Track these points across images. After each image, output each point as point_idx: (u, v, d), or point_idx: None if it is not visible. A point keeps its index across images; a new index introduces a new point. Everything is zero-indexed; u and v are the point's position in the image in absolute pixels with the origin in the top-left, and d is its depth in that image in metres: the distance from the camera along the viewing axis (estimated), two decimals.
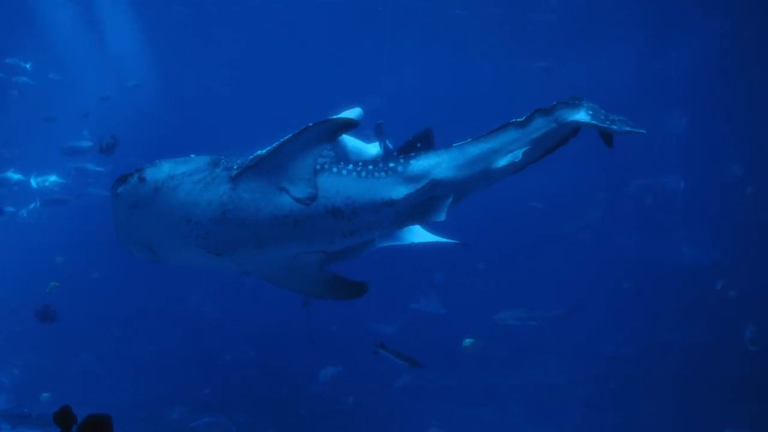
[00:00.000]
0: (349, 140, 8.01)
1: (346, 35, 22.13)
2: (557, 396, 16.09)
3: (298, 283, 6.58)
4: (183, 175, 5.88)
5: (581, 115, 6.17)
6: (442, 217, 6.19)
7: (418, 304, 17.47)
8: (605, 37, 20.97)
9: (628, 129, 6.11)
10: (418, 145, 6.46)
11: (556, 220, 20.46)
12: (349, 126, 5.97)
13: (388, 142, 7.93)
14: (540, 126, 6.19)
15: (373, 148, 8.03)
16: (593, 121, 6.16)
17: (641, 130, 6.09)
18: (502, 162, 6.19)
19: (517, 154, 6.16)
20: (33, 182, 17.95)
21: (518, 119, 6.20)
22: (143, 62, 22.23)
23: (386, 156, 6.51)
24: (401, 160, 6.31)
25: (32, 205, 17.50)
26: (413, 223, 6.30)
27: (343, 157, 7.77)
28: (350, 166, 6.21)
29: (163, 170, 5.90)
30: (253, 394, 15.72)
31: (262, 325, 17.27)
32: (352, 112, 7.78)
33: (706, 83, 20.63)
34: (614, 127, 6.13)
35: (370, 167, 6.23)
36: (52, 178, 17.77)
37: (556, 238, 20.24)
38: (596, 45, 21.31)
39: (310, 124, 5.77)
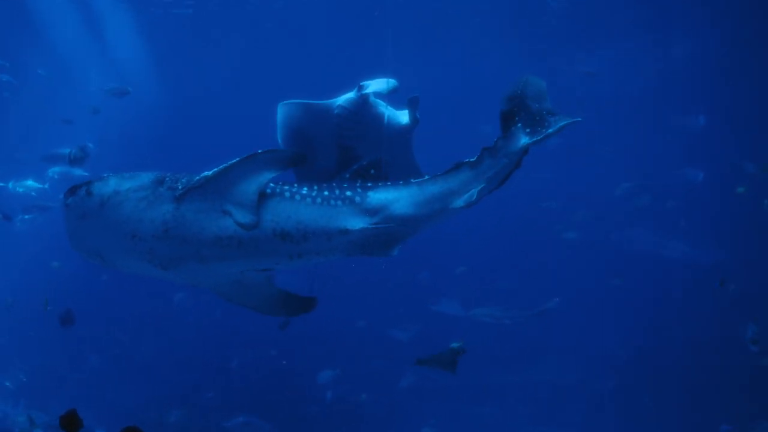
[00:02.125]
0: (382, 106, 8.12)
1: (349, 35, 22.16)
2: (560, 395, 16.23)
3: (246, 299, 6.62)
4: (128, 191, 5.96)
5: (524, 140, 6.28)
6: (395, 252, 6.26)
7: (439, 306, 17.55)
8: (612, 36, 21.03)
9: (565, 123, 6.23)
10: (372, 171, 6.52)
11: (563, 220, 20.63)
12: (298, 161, 6.03)
13: (417, 114, 8.02)
14: (491, 165, 6.32)
15: (403, 117, 8.13)
16: (536, 138, 6.25)
17: (577, 119, 6.21)
18: (459, 203, 6.32)
19: (473, 194, 6.29)
20: (12, 188, 17.99)
21: (471, 159, 6.32)
22: (144, 63, 22.35)
23: (341, 183, 6.50)
24: (359, 191, 6.34)
25: (29, 216, 17.55)
26: (365, 255, 6.31)
27: (374, 121, 7.93)
28: (304, 191, 6.22)
29: (109, 185, 5.99)
30: (256, 395, 15.92)
31: (266, 327, 17.41)
32: (387, 83, 7.84)
33: (718, 82, 20.67)
34: (550, 130, 6.24)
35: (326, 193, 6.26)
36: (29, 182, 17.81)
37: (564, 238, 20.38)
38: (605, 44, 21.38)
39: (259, 151, 5.83)
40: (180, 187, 5.96)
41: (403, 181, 6.43)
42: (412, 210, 6.32)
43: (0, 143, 21.48)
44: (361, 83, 7.87)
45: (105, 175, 6.07)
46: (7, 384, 16.06)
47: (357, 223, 6.22)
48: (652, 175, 20.30)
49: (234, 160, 5.81)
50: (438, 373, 15.42)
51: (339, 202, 6.24)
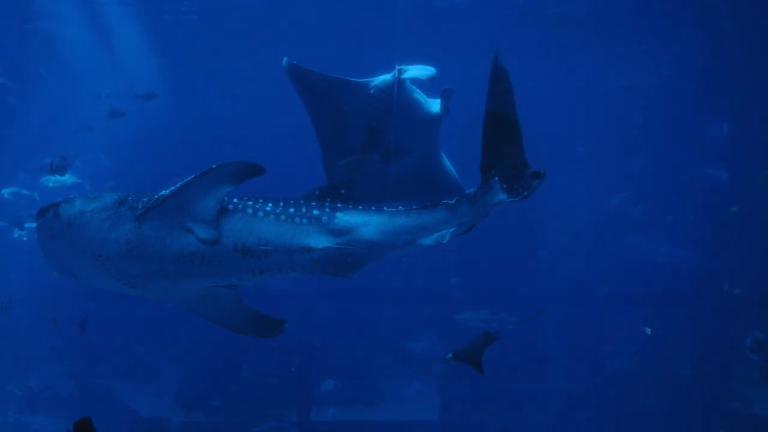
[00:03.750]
0: (416, 92, 8.37)
1: (361, 37, 22.23)
2: (572, 403, 16.35)
3: (216, 315, 6.81)
4: (92, 212, 6.18)
5: (500, 197, 6.39)
6: (356, 275, 6.39)
7: (461, 315, 17.68)
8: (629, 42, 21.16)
9: (537, 184, 6.34)
10: (342, 191, 6.63)
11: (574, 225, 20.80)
12: (255, 172, 6.10)
13: (449, 105, 8.28)
14: (467, 212, 6.46)
15: (435, 105, 8.37)
16: (513, 198, 6.37)
17: (543, 173, 6.31)
18: (428, 241, 6.44)
19: (445, 236, 6.42)
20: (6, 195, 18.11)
21: (449, 201, 6.46)
22: (152, 71, 22.56)
23: (308, 200, 6.63)
24: (327, 211, 6.47)
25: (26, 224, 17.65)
26: (326, 274, 6.45)
27: (406, 106, 8.17)
28: (268, 208, 6.36)
29: (75, 206, 6.22)
30: (264, 401, 16.18)
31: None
32: (426, 70, 8.12)
33: (738, 83, 20.76)
34: (526, 194, 6.34)
35: (292, 211, 6.40)
36: (16, 189, 17.92)
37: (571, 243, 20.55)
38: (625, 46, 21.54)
39: (213, 166, 5.95)
40: (140, 207, 6.16)
41: (376, 208, 6.57)
42: (379, 237, 6.43)
43: (5, 149, 21.73)
44: (400, 67, 8.11)
45: (72, 196, 6.34)
46: (17, 391, 16.32)
47: (321, 242, 6.34)
48: (673, 176, 20.48)
49: (189, 177, 5.98)
50: (445, 379, 15.88)
51: (304, 220, 6.38)
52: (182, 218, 6.13)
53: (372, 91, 8.27)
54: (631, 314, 17.97)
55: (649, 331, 15.50)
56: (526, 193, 6.31)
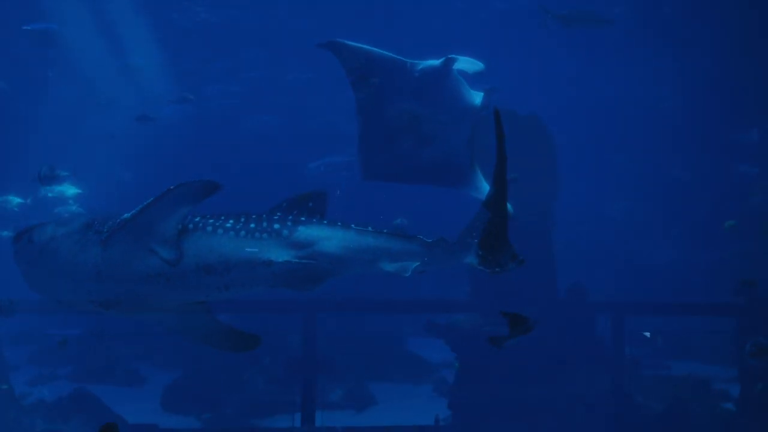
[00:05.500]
0: (461, 83, 8.61)
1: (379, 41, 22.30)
2: (589, 409, 16.53)
3: (189, 332, 7.08)
4: (63, 236, 6.46)
5: (471, 259, 6.50)
6: (317, 288, 6.54)
7: (454, 318, 17.97)
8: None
9: (513, 266, 6.38)
10: (310, 204, 6.78)
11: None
12: (213, 189, 6.27)
13: (488, 103, 8.48)
14: (438, 256, 6.57)
15: (477, 98, 8.60)
16: (482, 268, 6.45)
17: (521, 259, 6.33)
18: (390, 267, 6.54)
19: (407, 268, 6.53)
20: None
21: (426, 239, 6.52)
22: (165, 78, 23.01)
23: (272, 214, 6.77)
24: (289, 224, 6.60)
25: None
26: (288, 287, 6.61)
27: (448, 94, 8.47)
28: (228, 224, 6.54)
29: (46, 232, 6.50)
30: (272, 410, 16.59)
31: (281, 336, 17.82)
32: (475, 64, 8.35)
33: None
34: (498, 270, 6.39)
35: (252, 226, 6.55)
36: (11, 197, 18.01)
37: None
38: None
39: (171, 187, 6.12)
40: (105, 230, 6.42)
41: (342, 223, 6.68)
42: (341, 252, 6.56)
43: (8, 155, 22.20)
44: (450, 56, 8.35)
45: (45, 221, 6.65)
46: (30, 399, 16.70)
47: (282, 255, 6.50)
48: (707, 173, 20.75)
49: (150, 200, 6.20)
50: (458, 386, 16.16)
51: (264, 235, 6.55)
52: (145, 240, 6.38)
53: (417, 75, 8.51)
54: (646, 320, 18.17)
55: (649, 335, 15.69)
56: (498, 270, 6.41)
